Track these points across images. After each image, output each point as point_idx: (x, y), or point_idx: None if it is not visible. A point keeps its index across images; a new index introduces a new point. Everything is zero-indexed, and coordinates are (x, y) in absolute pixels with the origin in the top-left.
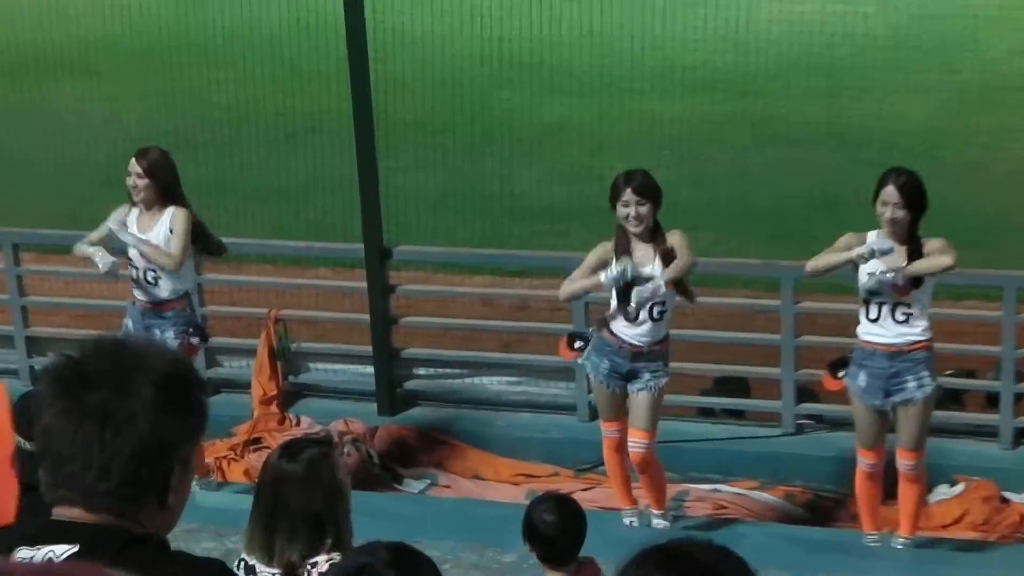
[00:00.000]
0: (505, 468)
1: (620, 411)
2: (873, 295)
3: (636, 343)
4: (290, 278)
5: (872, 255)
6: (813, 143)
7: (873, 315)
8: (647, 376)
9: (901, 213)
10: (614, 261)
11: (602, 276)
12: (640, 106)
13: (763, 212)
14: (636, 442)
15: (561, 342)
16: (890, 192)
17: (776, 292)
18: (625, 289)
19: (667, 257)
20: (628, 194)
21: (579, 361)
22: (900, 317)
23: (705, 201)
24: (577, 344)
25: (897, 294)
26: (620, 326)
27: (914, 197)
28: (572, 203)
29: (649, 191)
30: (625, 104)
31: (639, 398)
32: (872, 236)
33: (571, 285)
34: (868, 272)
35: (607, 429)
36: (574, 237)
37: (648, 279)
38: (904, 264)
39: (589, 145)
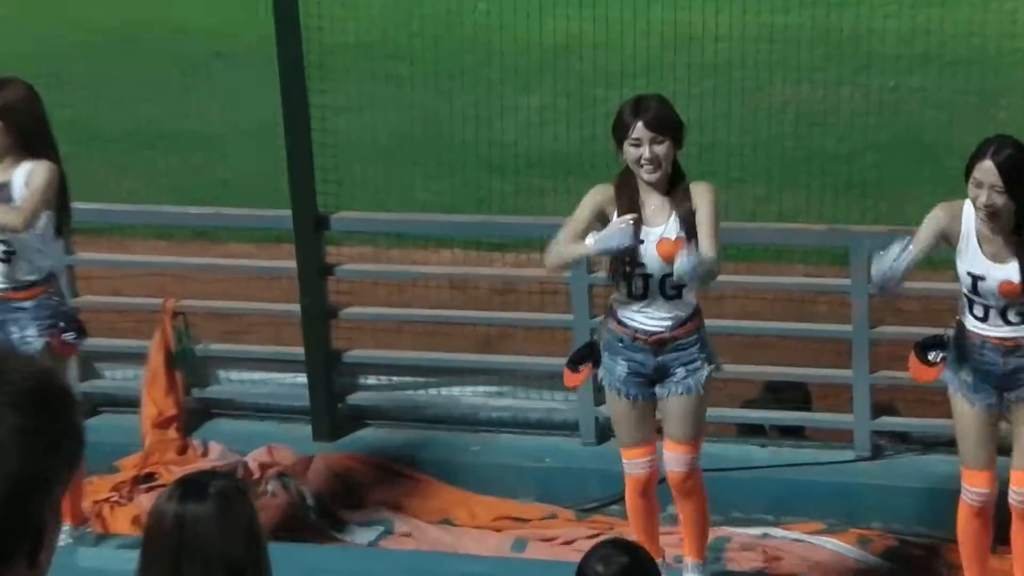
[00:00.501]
0: (484, 509)
1: (648, 432)
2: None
3: (655, 328)
4: (192, 257)
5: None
6: (904, 69)
7: (979, 313)
8: (680, 372)
9: (1001, 200)
10: (614, 217)
11: (590, 240)
12: (672, 16)
13: (830, 160)
14: (676, 457)
15: (565, 371)
16: (987, 169)
17: (845, 267)
18: (625, 262)
19: (688, 221)
20: (639, 128)
21: (597, 377)
22: (1014, 319)
23: (752, 145)
24: (581, 366)
25: (1005, 294)
26: (628, 310)
27: (1021, 179)
28: (574, 151)
29: (667, 124)
30: (651, 15)
31: (674, 403)
32: (967, 209)
33: (559, 249)
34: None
35: (632, 460)
36: (576, 197)
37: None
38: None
39: (600, 73)
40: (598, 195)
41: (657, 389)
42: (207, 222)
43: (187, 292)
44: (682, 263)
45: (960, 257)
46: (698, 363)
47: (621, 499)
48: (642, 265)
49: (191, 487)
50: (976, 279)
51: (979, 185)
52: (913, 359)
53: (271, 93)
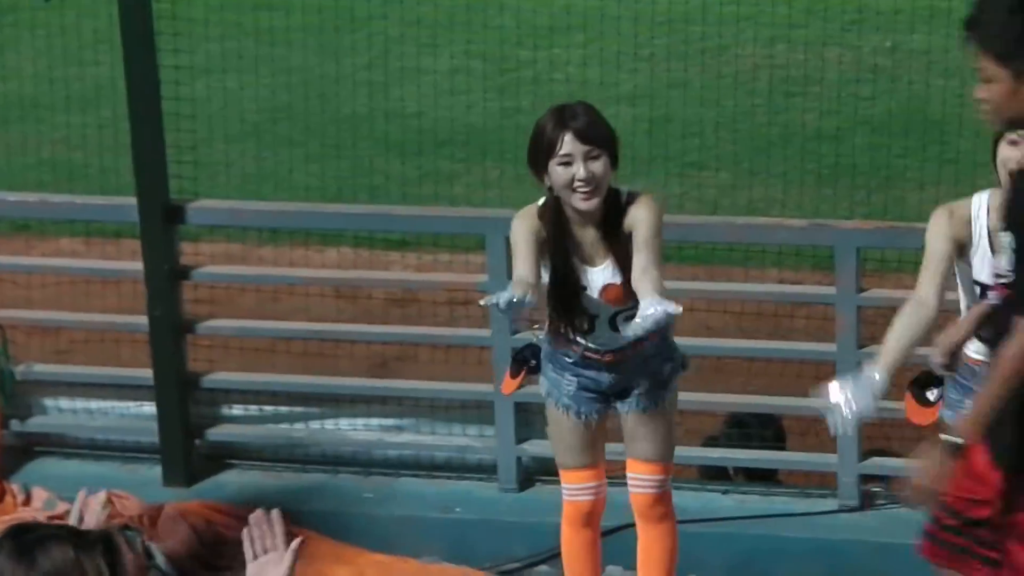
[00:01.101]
0: (378, 571)
1: (598, 453)
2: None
3: (610, 347)
4: (12, 256)
5: None
6: (903, 26)
7: (987, 334)
8: (643, 384)
9: None
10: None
11: (493, 299)
12: None
13: (812, 140)
14: (642, 478)
15: (506, 376)
16: None
17: (828, 272)
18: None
19: (625, 260)
20: (569, 141)
21: (541, 391)
22: None
23: (714, 121)
24: (522, 367)
25: None
26: (575, 337)
27: None
28: (491, 126)
29: (602, 135)
30: None
31: (637, 420)
32: (979, 202)
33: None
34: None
35: (574, 485)
36: (496, 180)
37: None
38: None
39: (524, 29)
40: (527, 221)
41: (617, 405)
42: (29, 212)
43: (5, 299)
44: (646, 320)
45: (970, 264)
46: (665, 370)
47: (550, 558)
48: (584, 310)
49: (20, 542)
50: (984, 289)
51: (1017, 143)
52: (909, 399)
53: (107, 48)
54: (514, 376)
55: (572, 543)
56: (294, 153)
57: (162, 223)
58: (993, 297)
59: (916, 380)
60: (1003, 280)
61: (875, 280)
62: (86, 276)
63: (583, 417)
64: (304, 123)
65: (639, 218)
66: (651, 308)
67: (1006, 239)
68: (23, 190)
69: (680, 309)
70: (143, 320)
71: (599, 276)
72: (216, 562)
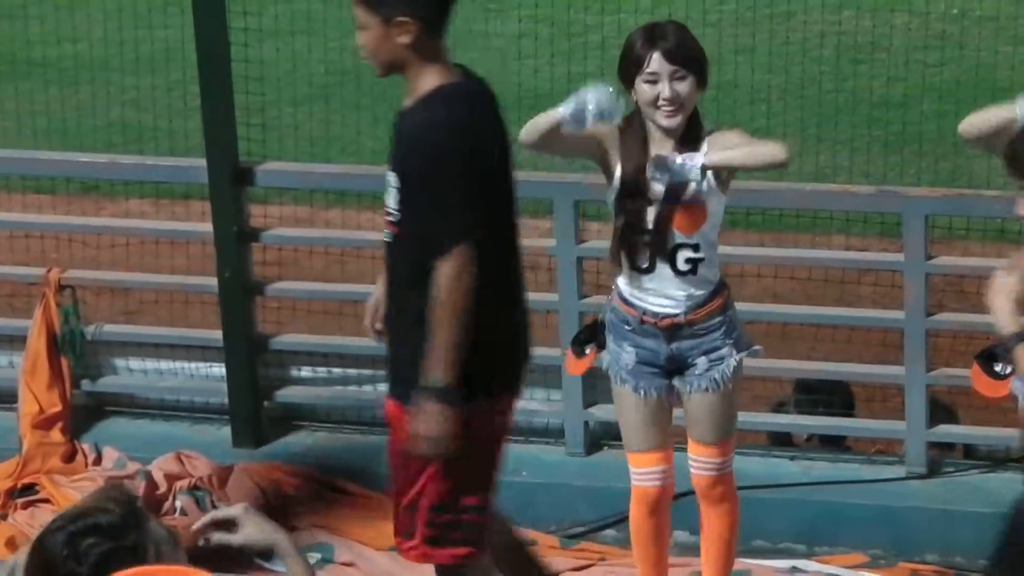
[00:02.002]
0: None
1: (663, 435)
2: None
3: (667, 310)
4: (81, 217)
5: None
6: None
7: None
8: (702, 362)
9: None
10: (617, 171)
11: (561, 109)
12: None
13: (879, 107)
14: (703, 460)
15: (568, 354)
16: None
17: (896, 239)
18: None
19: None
20: (656, 60)
21: (602, 366)
22: None
23: (780, 87)
24: (587, 348)
25: None
26: (633, 287)
27: None
28: (558, 91)
29: (691, 56)
30: None
31: (697, 401)
32: None
33: (534, 120)
34: None
35: (641, 469)
36: None
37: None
38: None
39: None
40: (605, 129)
41: (676, 383)
42: (98, 173)
43: (75, 260)
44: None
45: None
46: (723, 351)
47: (616, 523)
48: (649, 232)
49: (74, 534)
50: None
51: None
52: (976, 371)
53: (176, 11)
54: (577, 357)
55: (640, 528)
56: (361, 116)
57: (231, 185)
58: None
59: (983, 353)
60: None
61: (942, 247)
62: (155, 237)
63: (643, 393)
64: (371, 87)
65: (731, 137)
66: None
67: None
68: (92, 151)
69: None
70: (212, 281)
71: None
72: (283, 523)
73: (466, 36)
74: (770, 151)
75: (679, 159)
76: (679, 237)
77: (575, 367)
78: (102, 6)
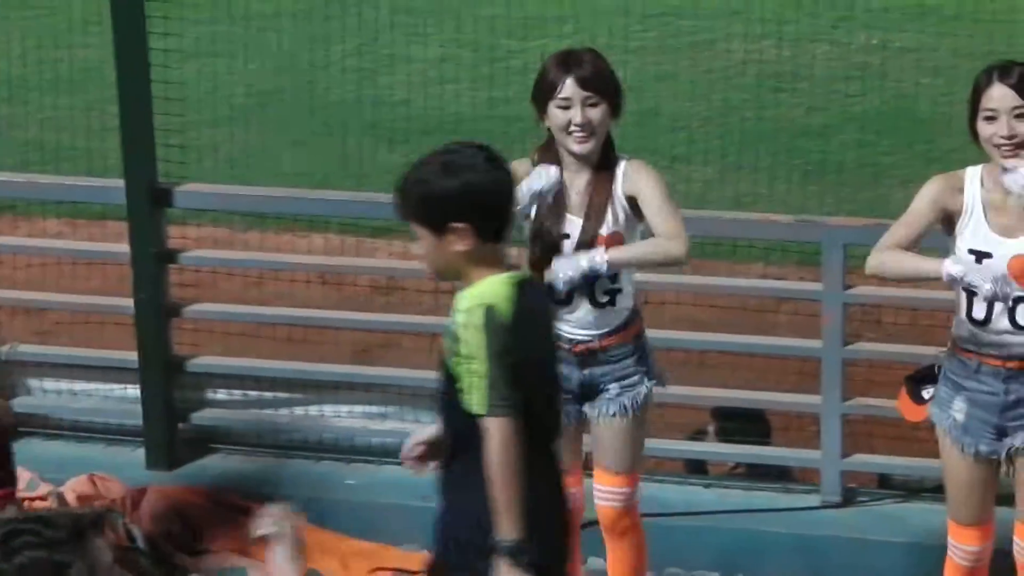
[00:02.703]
0: (360, 559)
1: (573, 459)
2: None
3: (580, 336)
4: None
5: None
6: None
7: (979, 314)
8: (613, 388)
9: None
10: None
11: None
12: None
13: (799, 135)
14: (608, 491)
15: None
16: (999, 95)
17: (814, 267)
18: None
19: (600, 208)
20: (569, 86)
21: None
22: None
23: (701, 115)
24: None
25: (1017, 275)
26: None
27: None
28: (479, 116)
29: (604, 83)
30: None
31: (606, 426)
32: (973, 173)
33: None
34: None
35: None
36: None
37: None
38: None
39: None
40: (518, 168)
41: (587, 408)
42: (15, 192)
43: None
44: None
45: (959, 236)
46: (635, 378)
47: None
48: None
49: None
50: (979, 257)
51: (993, 117)
52: (903, 395)
53: (96, 31)
54: (916, 401)
55: None
56: (281, 138)
57: (149, 206)
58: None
59: (913, 376)
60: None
61: (859, 277)
62: (72, 257)
63: None
64: (291, 109)
65: (645, 184)
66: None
67: None
68: (8, 170)
69: (601, 261)
70: (128, 303)
71: (582, 228)
72: (196, 545)
73: (389, 60)
74: (669, 250)
75: (584, 262)
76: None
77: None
78: (20, 25)
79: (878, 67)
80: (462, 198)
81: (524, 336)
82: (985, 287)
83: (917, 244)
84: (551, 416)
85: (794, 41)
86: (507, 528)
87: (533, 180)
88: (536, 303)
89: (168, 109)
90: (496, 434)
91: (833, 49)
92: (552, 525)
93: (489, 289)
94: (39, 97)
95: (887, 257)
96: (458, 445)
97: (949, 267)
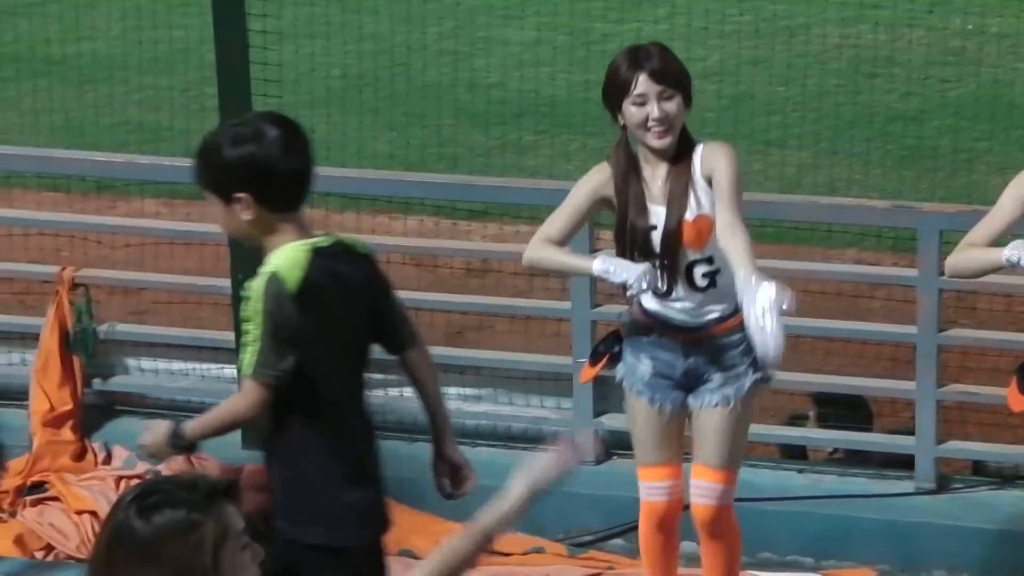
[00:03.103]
0: None
1: (675, 450)
2: None
3: (689, 322)
4: (95, 216)
5: None
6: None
7: None
8: (717, 378)
9: None
10: (628, 268)
11: (597, 263)
12: None
13: (893, 121)
14: (705, 487)
15: (585, 365)
16: None
17: (910, 255)
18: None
19: (684, 191)
20: (643, 81)
21: (616, 377)
22: None
23: (795, 100)
24: (602, 353)
25: None
26: (653, 299)
27: None
28: (571, 99)
29: (676, 75)
30: None
31: (708, 417)
32: None
33: (543, 252)
34: None
35: (651, 483)
36: (576, 153)
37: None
38: None
39: (606, 3)
40: (595, 177)
41: (689, 399)
42: (113, 172)
43: (88, 259)
44: (611, 269)
45: None
46: (740, 369)
47: (625, 532)
48: (659, 255)
49: (148, 497)
50: None
51: None
52: (1013, 384)
53: (193, 11)
54: (593, 365)
55: (649, 543)
56: (374, 120)
57: None
58: None
59: (1023, 366)
60: None
61: None
62: (169, 238)
63: (658, 405)
64: (385, 91)
65: (718, 166)
66: (764, 299)
67: None
68: (105, 149)
69: (790, 303)
70: (225, 283)
71: (666, 215)
72: None
73: (483, 43)
74: (747, 240)
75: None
76: (691, 254)
77: (586, 373)
78: (119, 4)
79: (973, 52)
80: (243, 169)
81: (313, 304)
82: None
83: (999, 240)
84: (347, 386)
85: (889, 26)
86: (194, 428)
87: (621, 271)
88: (336, 269)
89: (266, 91)
90: (248, 396)
91: (928, 34)
92: (340, 508)
93: (282, 258)
94: (137, 77)
95: (961, 257)
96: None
97: (1008, 253)
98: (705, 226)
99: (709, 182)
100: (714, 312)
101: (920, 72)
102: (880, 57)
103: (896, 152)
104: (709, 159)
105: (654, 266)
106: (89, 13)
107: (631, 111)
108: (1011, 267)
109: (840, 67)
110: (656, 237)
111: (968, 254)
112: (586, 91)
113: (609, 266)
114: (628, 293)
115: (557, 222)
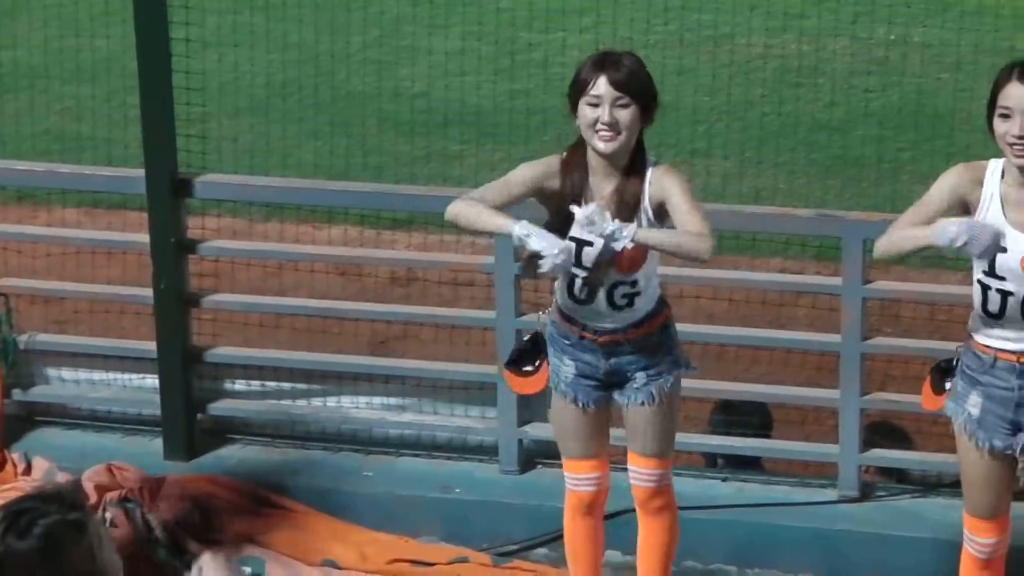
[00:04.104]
0: (378, 549)
1: (600, 445)
2: (993, 277)
3: (607, 326)
4: (16, 225)
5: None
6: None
7: (994, 308)
8: (640, 377)
9: None
10: (549, 239)
11: (521, 227)
12: None
13: (817, 130)
14: (642, 472)
15: (506, 373)
16: (1016, 94)
17: (834, 262)
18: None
19: (631, 204)
20: (602, 84)
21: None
22: None
23: (720, 109)
24: (527, 364)
25: None
26: (572, 305)
27: None
28: (497, 108)
29: (637, 86)
30: None
31: (636, 414)
32: (995, 166)
33: (471, 209)
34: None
35: (576, 475)
36: (501, 162)
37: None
38: None
39: (532, 12)
40: (543, 166)
41: (616, 396)
42: (35, 181)
43: (8, 268)
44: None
45: None
46: (662, 366)
47: (549, 541)
48: (587, 269)
49: (16, 518)
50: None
51: (1008, 115)
52: (926, 383)
53: (115, 20)
54: (519, 373)
55: (574, 531)
56: (299, 129)
57: (170, 196)
58: (1005, 262)
59: (940, 365)
60: None
61: (878, 272)
62: (91, 247)
63: (581, 405)
64: (310, 99)
65: (670, 190)
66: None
67: None
68: (26, 158)
69: (627, 236)
70: (147, 292)
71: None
72: (214, 535)
73: (408, 51)
74: (697, 246)
75: (615, 224)
76: (617, 276)
77: (523, 385)
78: (40, 13)
79: (897, 62)
80: None
81: None
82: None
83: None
84: None
85: (813, 35)
86: None
87: (547, 244)
88: None
89: (188, 99)
90: None
91: (852, 44)
92: None
93: None
94: (59, 86)
95: (893, 238)
96: None
97: (939, 232)
98: (638, 253)
99: (657, 208)
100: (631, 320)
101: (844, 82)
102: (804, 67)
103: (821, 161)
104: (658, 184)
105: (579, 278)
106: (10, 22)
107: (584, 111)
108: (946, 245)
109: (765, 77)
110: (590, 252)
111: (900, 233)
112: (511, 100)
113: (530, 232)
114: (540, 268)
115: (491, 191)
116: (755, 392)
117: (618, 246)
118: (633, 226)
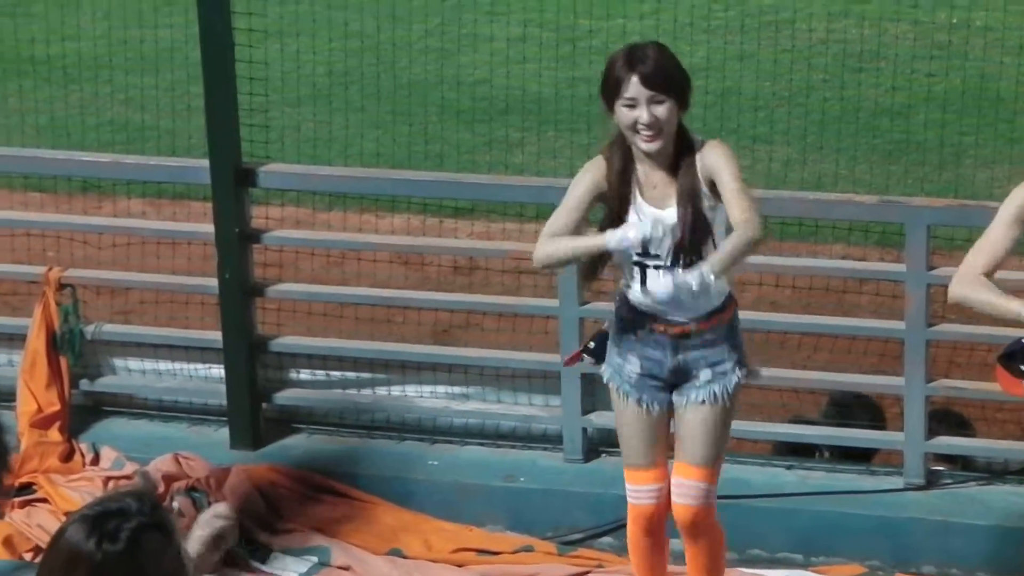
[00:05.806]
0: (442, 538)
1: (662, 451)
2: None
3: (676, 318)
4: (81, 216)
5: None
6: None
7: None
8: (705, 374)
9: None
10: (632, 217)
11: (610, 238)
12: None
13: (879, 115)
14: (687, 486)
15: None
16: None
17: (897, 249)
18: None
19: (692, 196)
20: (634, 85)
21: (604, 378)
22: None
23: (780, 95)
24: (590, 345)
25: None
26: (641, 294)
27: None
28: (556, 95)
29: (670, 80)
30: None
31: (693, 414)
32: None
33: (552, 245)
34: None
35: (638, 486)
36: (562, 149)
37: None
38: None
39: None
40: (592, 171)
41: (674, 396)
42: (99, 172)
43: (74, 259)
44: (620, 237)
45: None
46: (727, 365)
47: (613, 530)
48: (655, 256)
49: (100, 521)
50: None
51: None
52: (1001, 373)
53: (177, 11)
54: (580, 353)
55: (636, 544)
56: (360, 118)
57: (234, 186)
58: None
59: (1005, 353)
60: None
61: (942, 258)
62: (156, 237)
63: (645, 406)
64: (371, 88)
65: (720, 167)
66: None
67: None
68: (90, 149)
69: (709, 277)
70: (212, 282)
71: (666, 216)
72: (279, 524)
73: (468, 39)
74: (751, 238)
75: (693, 284)
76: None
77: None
78: (103, 4)
79: (959, 46)
80: None
81: None
82: None
83: (1002, 263)
84: None
85: (874, 20)
86: None
87: (635, 229)
88: None
89: (251, 89)
90: None
91: (914, 28)
92: None
93: None
94: (122, 77)
95: (970, 293)
96: None
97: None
98: (703, 229)
99: (709, 185)
100: (704, 308)
101: (906, 66)
102: (866, 51)
103: (882, 147)
104: (707, 163)
105: (647, 267)
106: (73, 13)
107: (622, 112)
108: None
109: (826, 62)
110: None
111: (979, 295)
112: (572, 87)
113: (622, 233)
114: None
115: (560, 218)
116: (821, 380)
117: (710, 281)
118: (706, 267)
